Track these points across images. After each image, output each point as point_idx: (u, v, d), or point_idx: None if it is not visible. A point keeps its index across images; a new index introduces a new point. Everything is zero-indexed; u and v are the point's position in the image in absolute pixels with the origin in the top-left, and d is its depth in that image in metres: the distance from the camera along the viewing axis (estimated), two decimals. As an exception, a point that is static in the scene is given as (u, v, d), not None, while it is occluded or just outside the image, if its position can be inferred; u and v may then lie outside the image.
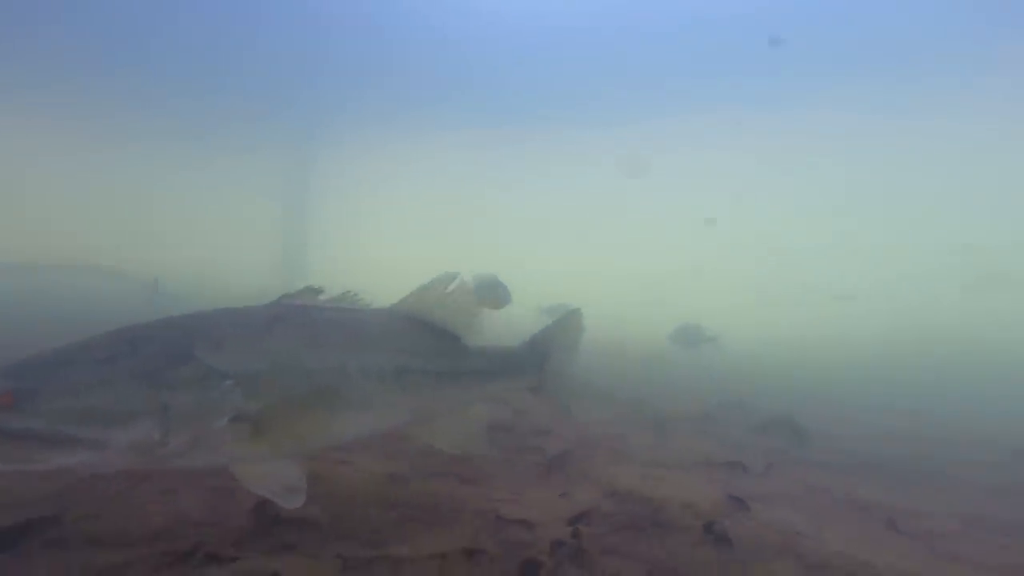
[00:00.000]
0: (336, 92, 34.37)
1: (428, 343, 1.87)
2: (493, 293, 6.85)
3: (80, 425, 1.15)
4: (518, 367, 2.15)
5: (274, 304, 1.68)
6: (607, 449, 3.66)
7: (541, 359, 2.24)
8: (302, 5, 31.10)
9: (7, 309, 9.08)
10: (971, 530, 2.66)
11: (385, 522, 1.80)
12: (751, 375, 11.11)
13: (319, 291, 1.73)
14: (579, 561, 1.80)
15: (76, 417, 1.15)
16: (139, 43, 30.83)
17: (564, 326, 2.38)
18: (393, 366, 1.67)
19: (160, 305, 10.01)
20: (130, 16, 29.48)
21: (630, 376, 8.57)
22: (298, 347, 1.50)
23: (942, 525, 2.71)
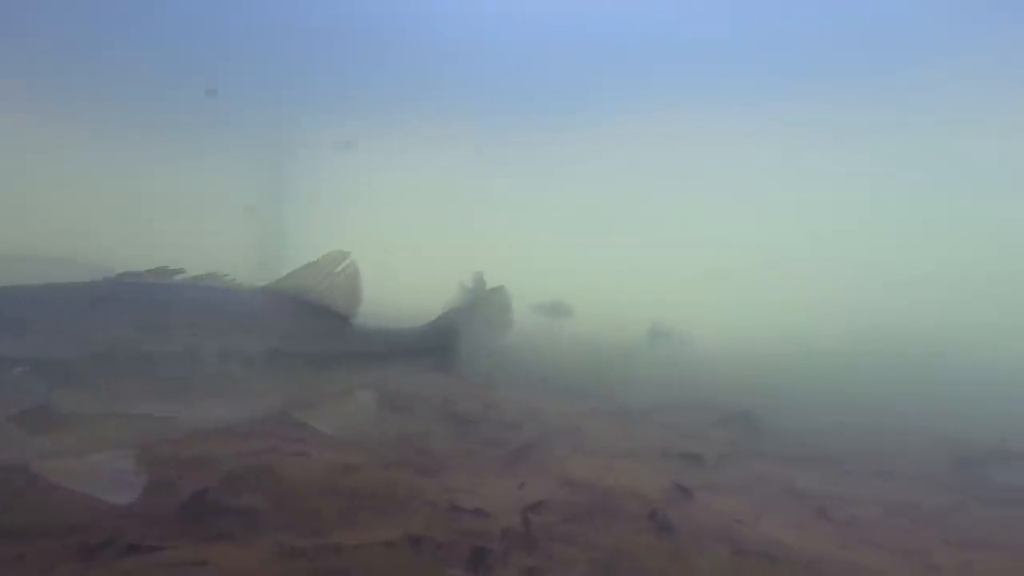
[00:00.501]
0: (324, 85, 33.33)
1: (307, 325, 1.74)
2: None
3: None
4: (414, 350, 2.05)
5: (106, 281, 1.49)
6: (569, 441, 3.78)
7: (448, 340, 2.13)
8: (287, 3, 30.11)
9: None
10: (890, 516, 2.90)
11: (333, 511, 1.81)
12: (723, 372, 11.52)
13: (177, 271, 1.56)
14: (528, 548, 1.88)
15: None
16: (122, 37, 29.32)
17: (481, 305, 2.25)
18: (263, 349, 1.53)
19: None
20: (114, 9, 28.02)
21: (603, 371, 8.78)
22: (132, 328, 1.33)
23: (865, 512, 2.93)
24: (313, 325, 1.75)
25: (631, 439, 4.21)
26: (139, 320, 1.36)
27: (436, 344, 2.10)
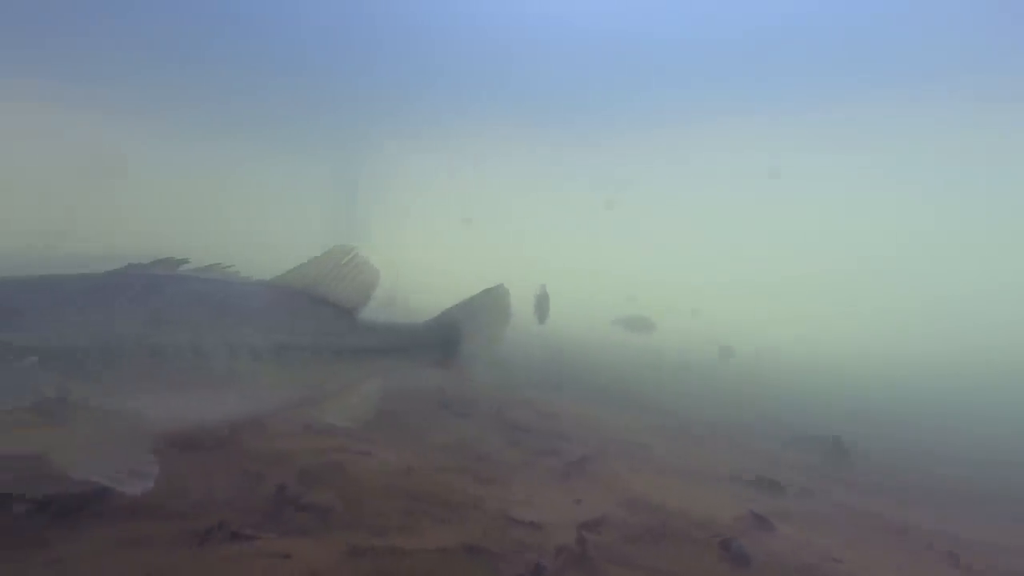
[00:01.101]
0: (393, 91, 35.15)
1: (316, 318, 1.73)
2: (544, 304, 6.83)
3: None
4: (416, 346, 2.03)
5: (113, 273, 1.48)
6: (628, 457, 3.58)
7: (449, 338, 2.10)
8: (360, 9, 32.34)
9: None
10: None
11: (395, 513, 1.87)
12: (797, 390, 10.45)
13: (181, 261, 1.54)
14: (583, 568, 1.78)
15: None
16: (202, 47, 33.07)
17: (481, 305, 2.20)
18: (271, 342, 1.52)
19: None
20: (202, 22, 31.87)
21: (664, 385, 8.33)
22: (139, 320, 1.32)
23: (1020, 564, 2.41)
24: (319, 319, 1.74)
25: (698, 459, 3.90)
26: (149, 312, 1.36)
27: (438, 340, 2.08)
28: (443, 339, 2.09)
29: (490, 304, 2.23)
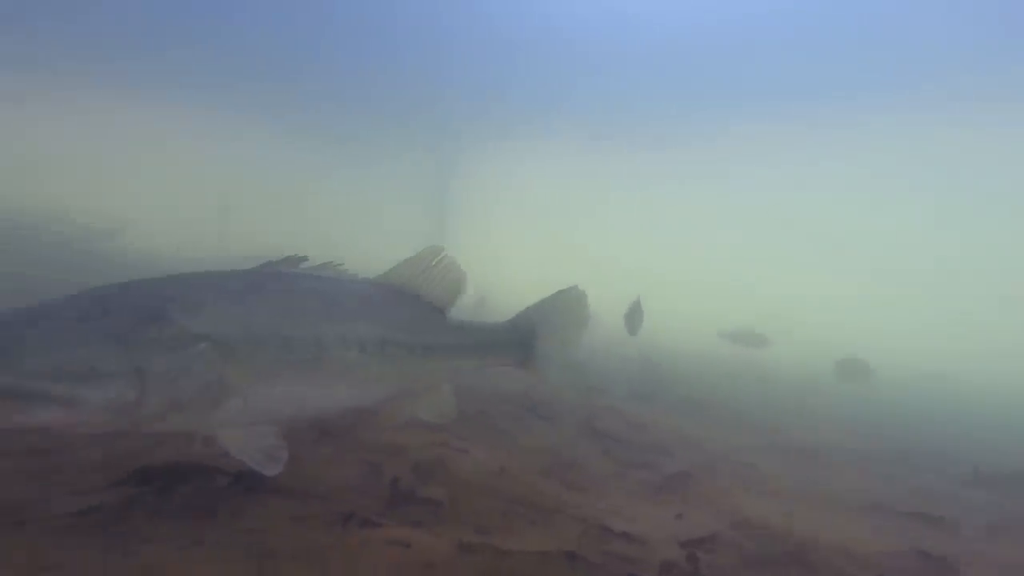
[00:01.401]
0: (475, 100, 35.68)
1: (412, 316, 1.84)
2: (637, 315, 6.52)
3: (53, 383, 1.15)
4: (497, 345, 2.09)
5: (253, 270, 1.65)
6: (733, 474, 3.20)
7: (526, 339, 2.13)
8: (441, 22, 33.38)
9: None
10: None
11: (494, 513, 1.90)
12: (967, 417, 8.54)
13: (302, 259, 1.70)
14: (693, 589, 1.57)
15: (48, 374, 1.15)
16: (300, 59, 33.54)
17: (554, 307, 2.20)
18: (376, 338, 1.63)
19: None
20: (291, 37, 32.75)
21: (776, 403, 7.38)
22: (277, 314, 1.47)
23: None
24: (415, 316, 1.85)
25: (823, 484, 3.32)
26: (284, 306, 1.51)
27: (516, 340, 2.12)
28: (520, 340, 2.14)
29: (563, 306, 2.23)
